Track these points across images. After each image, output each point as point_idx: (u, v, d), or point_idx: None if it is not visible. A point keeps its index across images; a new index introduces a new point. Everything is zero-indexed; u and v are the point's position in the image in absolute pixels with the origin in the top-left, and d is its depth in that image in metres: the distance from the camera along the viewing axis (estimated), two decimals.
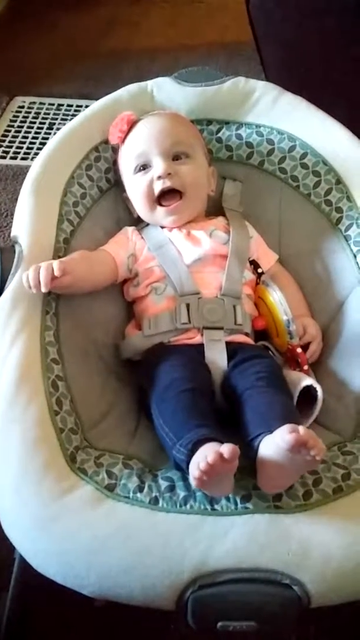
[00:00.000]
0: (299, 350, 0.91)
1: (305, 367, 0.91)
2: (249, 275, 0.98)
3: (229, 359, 0.85)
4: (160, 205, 0.97)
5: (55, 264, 0.82)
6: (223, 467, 0.63)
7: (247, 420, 0.74)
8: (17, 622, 0.92)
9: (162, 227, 0.99)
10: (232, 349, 0.87)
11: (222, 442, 0.65)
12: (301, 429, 0.64)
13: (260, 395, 0.77)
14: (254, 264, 1.00)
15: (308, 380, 0.82)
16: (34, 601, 0.94)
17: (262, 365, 0.83)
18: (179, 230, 0.98)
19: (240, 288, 0.94)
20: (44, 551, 0.67)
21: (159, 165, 0.96)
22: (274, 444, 0.65)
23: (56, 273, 0.81)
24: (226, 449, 0.62)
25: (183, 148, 0.98)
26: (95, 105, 1.09)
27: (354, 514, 0.69)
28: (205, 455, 0.63)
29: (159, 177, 0.95)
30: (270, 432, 0.67)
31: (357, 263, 0.96)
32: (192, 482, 0.66)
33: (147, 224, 1.02)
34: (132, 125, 1.01)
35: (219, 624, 0.64)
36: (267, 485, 0.69)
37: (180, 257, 0.95)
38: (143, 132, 1.00)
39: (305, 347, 0.92)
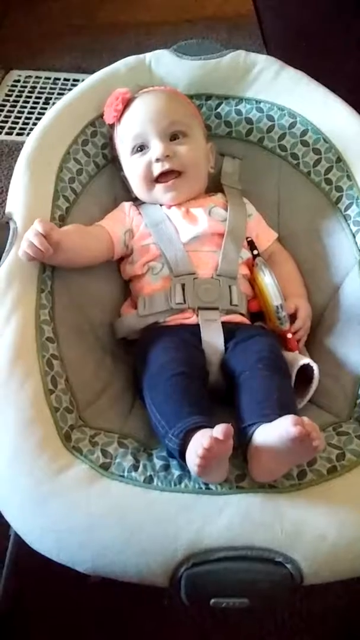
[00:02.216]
0: (289, 336, 0.90)
1: (296, 353, 0.90)
2: (245, 254, 0.97)
3: (228, 339, 0.85)
4: (158, 182, 0.96)
5: (37, 223, 0.81)
6: (220, 449, 0.63)
7: (243, 405, 0.74)
8: (11, 599, 0.93)
9: (161, 205, 0.98)
10: (230, 329, 0.86)
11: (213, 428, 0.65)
12: (305, 420, 0.64)
13: (258, 378, 0.76)
14: (251, 244, 0.99)
15: (305, 360, 0.82)
16: (29, 579, 0.95)
17: (262, 344, 0.82)
18: (178, 208, 0.97)
19: (237, 268, 0.93)
20: (38, 528, 0.67)
21: (156, 147, 0.94)
22: (275, 434, 0.65)
23: (41, 230, 0.80)
24: (219, 429, 0.63)
25: (180, 127, 0.96)
26: (92, 78, 1.07)
27: (347, 493, 0.69)
28: (201, 442, 0.64)
29: (157, 160, 0.94)
30: (268, 421, 0.67)
31: (356, 243, 0.95)
32: (193, 470, 0.66)
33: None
34: (127, 103, 0.99)
35: (212, 600, 0.65)
36: (259, 474, 0.69)
37: (177, 235, 0.94)
38: (139, 111, 0.98)
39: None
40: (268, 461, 0.67)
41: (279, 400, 0.72)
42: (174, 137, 0.96)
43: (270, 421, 0.67)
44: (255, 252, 0.98)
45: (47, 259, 0.84)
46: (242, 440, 0.70)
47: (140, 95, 1.00)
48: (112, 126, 1.03)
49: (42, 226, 0.81)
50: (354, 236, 0.96)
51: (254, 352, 0.80)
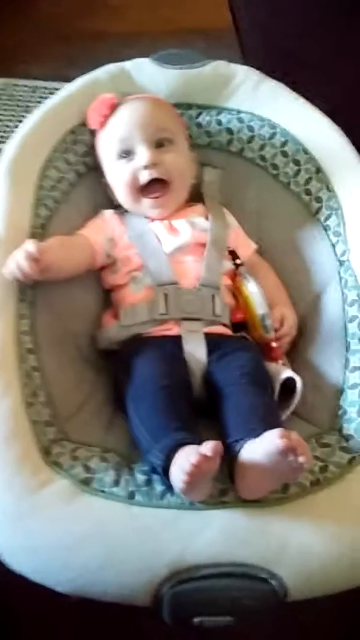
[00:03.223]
0: (274, 344, 0.90)
1: (281, 362, 0.90)
2: (227, 265, 0.97)
3: (210, 351, 0.84)
4: (145, 196, 0.95)
5: (31, 245, 0.80)
6: (208, 466, 0.62)
7: (228, 420, 0.73)
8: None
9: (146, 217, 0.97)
10: (212, 341, 0.85)
11: (199, 445, 0.64)
12: (292, 434, 0.63)
13: (243, 394, 0.76)
14: (233, 254, 0.98)
15: (288, 372, 0.81)
16: (14, 594, 0.92)
17: (245, 359, 0.82)
18: (161, 221, 0.96)
19: (219, 278, 0.93)
20: (17, 548, 0.65)
21: (143, 154, 0.93)
22: (260, 449, 0.64)
23: (36, 254, 0.79)
24: (209, 446, 0.62)
25: (167, 134, 0.95)
26: (72, 85, 1.06)
27: (331, 507, 0.69)
28: (188, 458, 0.62)
29: (145, 167, 0.93)
30: (254, 436, 0.67)
31: (335, 253, 0.96)
32: (178, 488, 0.65)
33: (127, 210, 0.99)
34: (112, 109, 0.98)
35: (195, 619, 0.64)
36: (244, 491, 0.67)
37: (159, 246, 0.93)
38: (125, 116, 0.96)
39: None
40: (254, 479, 0.66)
41: (265, 415, 0.72)
42: (160, 144, 0.95)
43: (257, 436, 0.66)
44: (238, 261, 0.98)
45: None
46: (227, 456, 0.69)
47: (127, 101, 0.99)
48: (95, 132, 1.01)
49: (35, 249, 0.79)
50: (333, 247, 0.96)
51: (237, 367, 0.79)
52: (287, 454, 0.62)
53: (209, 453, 0.61)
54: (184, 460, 0.63)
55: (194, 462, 0.61)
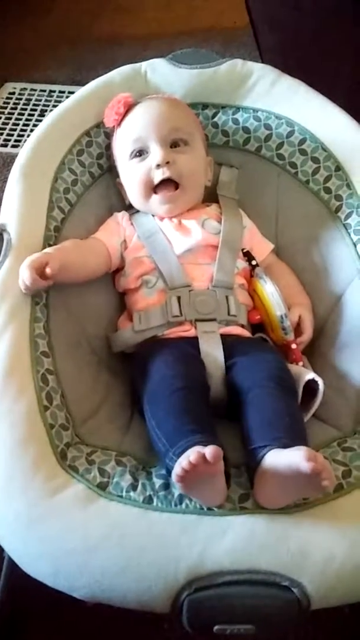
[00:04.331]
0: (294, 346, 0.88)
1: (301, 363, 0.88)
2: (241, 264, 0.95)
3: (229, 352, 0.82)
4: (155, 193, 0.94)
5: (46, 257, 0.79)
6: (205, 469, 0.61)
7: (253, 425, 0.71)
8: (8, 621, 0.89)
9: (153, 215, 0.96)
10: (230, 342, 0.84)
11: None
12: (318, 457, 0.61)
13: (268, 397, 0.74)
14: (248, 255, 0.97)
15: (310, 374, 0.79)
16: (25, 600, 0.92)
17: (272, 360, 0.80)
18: (170, 220, 0.95)
19: (233, 279, 0.91)
20: (33, 553, 0.64)
21: (157, 153, 0.92)
22: (284, 461, 0.63)
23: (49, 272, 0.78)
24: (209, 450, 0.60)
25: (182, 135, 0.94)
26: (86, 88, 1.06)
27: (355, 512, 0.67)
28: (188, 455, 0.61)
29: (158, 166, 0.92)
30: (279, 445, 0.65)
31: (357, 252, 0.93)
32: (175, 482, 0.64)
33: (138, 210, 0.98)
34: (129, 108, 0.97)
35: (216, 627, 0.62)
36: (263, 499, 0.66)
37: (170, 247, 0.92)
38: (141, 116, 0.96)
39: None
40: (274, 488, 0.65)
41: (291, 424, 0.70)
42: (174, 144, 0.94)
43: (282, 445, 0.65)
44: (253, 262, 0.96)
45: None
46: (249, 461, 0.67)
47: (144, 100, 0.99)
48: (108, 135, 1.01)
49: (33, 264, 0.79)
50: (354, 245, 0.94)
51: (263, 369, 0.78)
52: (312, 477, 0.60)
53: (208, 457, 0.60)
54: (184, 457, 0.62)
55: (192, 460, 0.60)
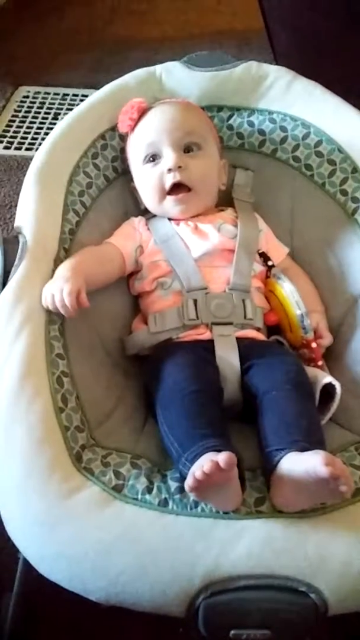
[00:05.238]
0: (314, 345, 0.88)
1: (320, 363, 0.88)
2: (258, 267, 0.95)
3: (244, 355, 0.82)
4: (169, 194, 0.94)
5: (78, 284, 0.79)
6: (220, 477, 0.60)
7: (270, 428, 0.71)
8: (21, 624, 0.89)
9: (170, 220, 0.96)
10: (246, 346, 0.83)
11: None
12: (336, 461, 0.60)
13: (286, 400, 0.73)
14: (264, 257, 0.96)
15: (327, 378, 0.78)
16: (39, 603, 0.92)
17: (290, 364, 0.79)
18: (186, 223, 0.95)
19: (249, 282, 0.91)
20: (49, 555, 0.64)
21: (169, 157, 0.92)
22: (301, 465, 0.62)
23: (69, 303, 0.78)
24: (222, 457, 0.59)
25: (195, 139, 0.94)
26: (101, 91, 1.06)
27: None
28: (202, 464, 0.61)
29: (170, 170, 0.92)
30: (296, 449, 0.64)
31: None
32: (188, 492, 0.63)
33: (154, 215, 0.98)
34: (142, 113, 0.97)
35: (232, 632, 0.61)
36: (280, 503, 0.65)
37: (187, 251, 0.91)
38: (154, 120, 0.96)
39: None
40: (290, 492, 0.64)
41: (308, 427, 0.69)
42: (188, 149, 0.94)
43: (300, 449, 0.64)
44: (270, 263, 0.96)
45: None
46: (266, 464, 0.67)
47: (157, 105, 0.99)
48: (123, 138, 1.02)
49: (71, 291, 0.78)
50: None
51: (281, 372, 0.77)
52: (328, 482, 0.59)
53: (222, 464, 0.59)
54: (198, 466, 0.61)
55: (205, 470, 0.60)
